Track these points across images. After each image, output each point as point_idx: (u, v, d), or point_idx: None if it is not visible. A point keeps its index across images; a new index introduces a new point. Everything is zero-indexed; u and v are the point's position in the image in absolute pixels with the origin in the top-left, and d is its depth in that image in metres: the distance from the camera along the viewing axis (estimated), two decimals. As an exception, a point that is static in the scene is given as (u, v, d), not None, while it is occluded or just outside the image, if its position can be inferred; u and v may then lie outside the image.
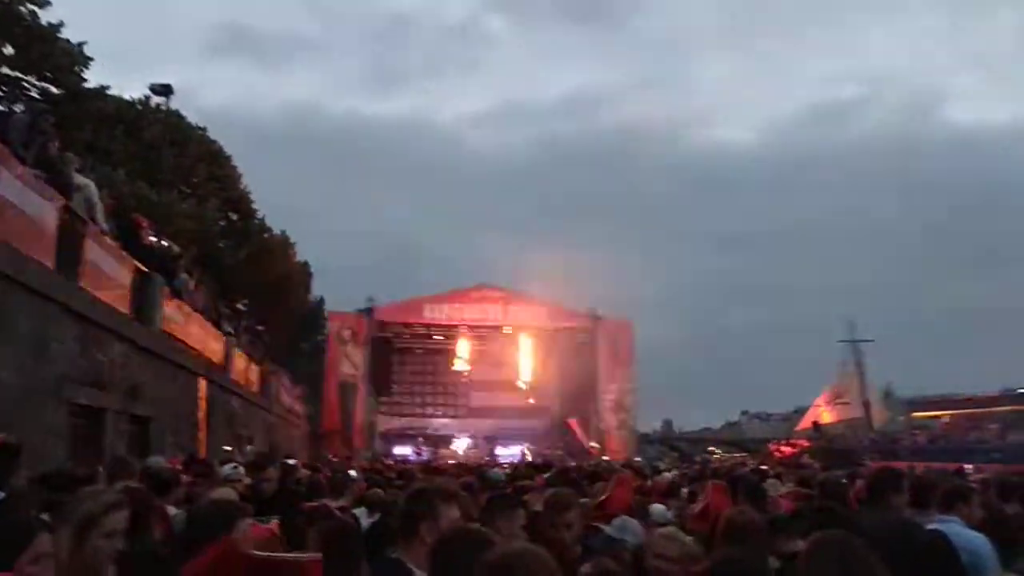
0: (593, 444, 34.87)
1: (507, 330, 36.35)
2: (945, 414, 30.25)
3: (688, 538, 3.07)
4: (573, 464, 23.26)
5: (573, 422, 36.26)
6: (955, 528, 4.13)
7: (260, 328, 28.09)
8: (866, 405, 31.85)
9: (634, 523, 3.80)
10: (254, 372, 22.47)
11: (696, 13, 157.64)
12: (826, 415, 33.55)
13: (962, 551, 3.72)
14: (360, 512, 5.06)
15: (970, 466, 14.61)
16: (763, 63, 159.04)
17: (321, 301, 39.48)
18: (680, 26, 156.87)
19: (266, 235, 30.28)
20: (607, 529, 3.90)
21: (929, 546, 3.27)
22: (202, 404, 14.90)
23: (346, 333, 34.65)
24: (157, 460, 6.55)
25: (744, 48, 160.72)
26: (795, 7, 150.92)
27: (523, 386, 36.97)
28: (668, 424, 63.92)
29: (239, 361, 19.92)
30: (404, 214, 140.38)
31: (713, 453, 39.14)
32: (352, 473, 9.73)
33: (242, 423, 19.94)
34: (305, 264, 35.20)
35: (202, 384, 14.97)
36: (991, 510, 4.89)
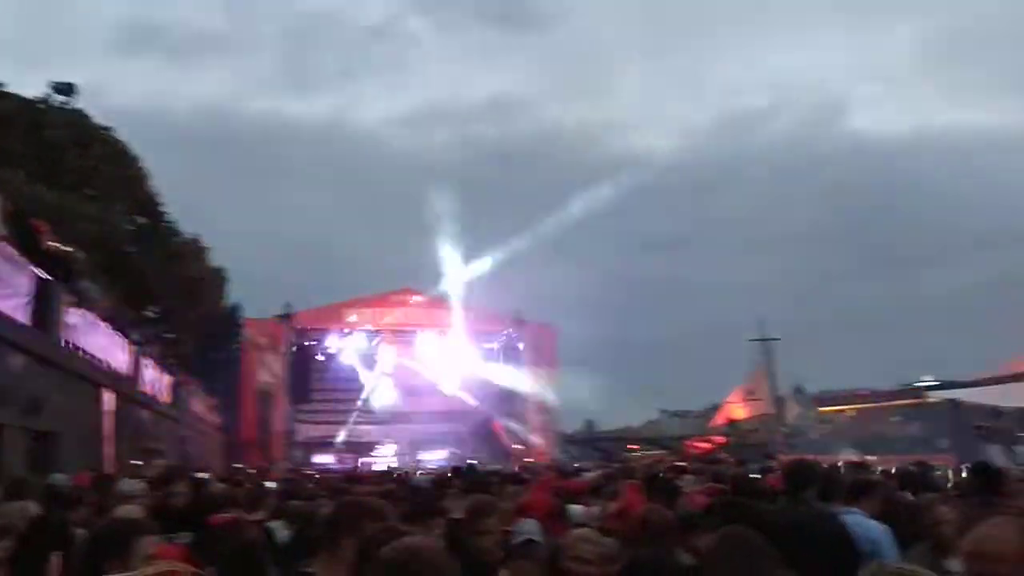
0: (517, 446, 35.07)
1: (430, 334, 36.14)
2: (849, 408, 31.83)
3: (605, 538, 3.10)
4: (498, 467, 23.29)
5: (497, 425, 36.36)
6: (858, 519, 4.36)
7: (171, 336, 26.98)
8: (779, 401, 33.12)
9: (533, 523, 3.82)
10: (165, 382, 21.58)
11: (614, 23, 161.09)
12: (739, 411, 34.75)
13: (864, 540, 3.93)
14: (277, 525, 4.92)
15: (873, 457, 15.40)
16: (678, 73, 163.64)
17: (236, 307, 38.20)
18: (599, 35, 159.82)
19: (176, 239, 29.11)
20: (514, 531, 3.90)
21: (832, 536, 3.43)
22: (108, 417, 14.21)
23: (263, 340, 33.69)
24: (60, 477, 6.21)
25: (660, 59, 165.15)
26: (706, 20, 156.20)
27: (447, 390, 36.86)
28: (590, 424, 64.84)
29: (148, 371, 19.09)
30: (324, 217, 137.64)
31: (634, 451, 39.92)
32: (269, 484, 9.45)
33: (152, 436, 19.12)
34: (219, 269, 34.00)
35: (108, 396, 14.27)
36: (890, 500, 5.19)
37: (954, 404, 24.39)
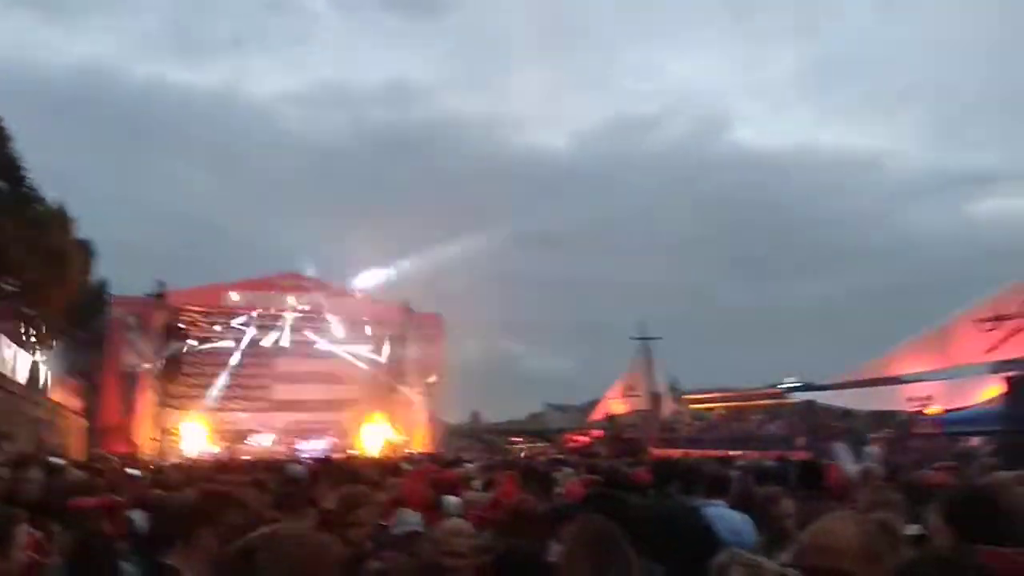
0: (402, 437, 34.83)
1: (315, 321, 35.21)
2: (718, 406, 33.62)
3: (476, 530, 3.16)
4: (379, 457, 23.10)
5: (381, 415, 35.95)
6: (720, 511, 4.65)
7: (30, 312, 25.03)
8: (655, 397, 34.53)
9: (412, 514, 3.84)
10: (22, 360, 20.02)
11: (515, 18, 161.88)
12: (618, 406, 35.99)
13: (727, 531, 4.19)
14: (138, 515, 4.71)
15: (736, 453, 16.36)
16: (575, 74, 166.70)
17: (104, 283, 35.79)
18: (500, 28, 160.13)
19: (39, 206, 26.93)
20: (392, 528, 3.91)
21: (694, 528, 3.66)
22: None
23: (132, 320, 31.72)
24: None
25: (558, 57, 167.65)
26: (604, 24, 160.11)
27: (330, 378, 36.08)
28: (476, 416, 65.22)
29: (3, 348, 17.65)
30: (206, 193, 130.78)
31: (516, 444, 40.57)
32: (133, 472, 8.98)
33: (7, 418, 17.73)
34: (86, 241, 31.72)
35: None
36: (747, 494, 5.56)
37: (811, 405, 26.25)
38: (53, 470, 6.45)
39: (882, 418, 25.36)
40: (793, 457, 11.80)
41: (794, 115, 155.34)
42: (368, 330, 36.06)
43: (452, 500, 5.35)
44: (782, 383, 33.53)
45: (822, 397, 26.49)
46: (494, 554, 2.79)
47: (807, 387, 29.61)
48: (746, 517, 4.65)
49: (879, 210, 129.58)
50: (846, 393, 25.34)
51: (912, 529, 3.51)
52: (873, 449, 19.07)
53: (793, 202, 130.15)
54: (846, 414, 26.66)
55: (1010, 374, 18.01)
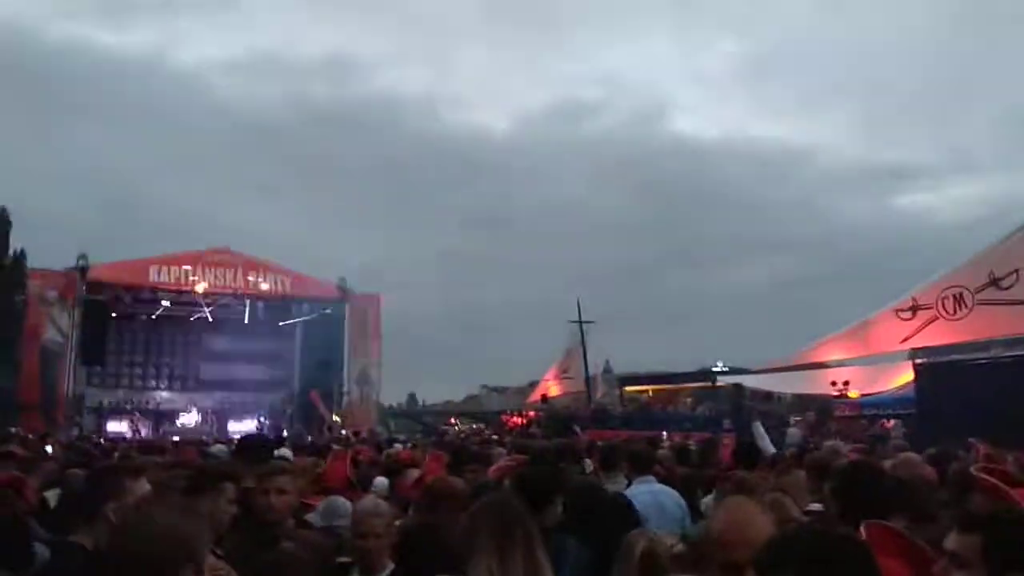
0: (335, 417, 34.43)
1: (247, 298, 34.33)
2: (649, 389, 34.36)
3: (386, 507, 3.15)
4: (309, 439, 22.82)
5: (315, 394, 35.44)
6: (651, 486, 4.79)
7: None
8: (590, 380, 35.07)
9: (343, 503, 3.81)
10: (-75, 335, 18.91)
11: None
12: (553, 388, 36.48)
13: (653, 505, 4.33)
14: (52, 494, 4.57)
15: (665, 434, 16.78)
16: (517, 56, 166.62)
17: (21, 254, 34.05)
18: (443, 5, 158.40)
19: (-51, 173, 25.39)
20: (310, 516, 3.87)
21: (612, 503, 3.78)
22: None
23: (51, 294, 30.33)
24: None
25: (501, 38, 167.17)
26: (550, 7, 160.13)
27: (262, 358, 35.38)
28: (412, 397, 65.18)
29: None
30: (131, 163, 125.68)
31: (453, 425, 40.65)
32: (48, 450, 8.66)
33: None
34: (1, 210, 30.14)
35: None
36: (671, 472, 5.75)
37: (739, 388, 27.10)
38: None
39: (804, 402, 26.42)
40: (721, 438, 12.18)
41: (731, 106, 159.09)
42: (302, 308, 35.39)
43: (382, 481, 5.34)
44: (712, 367, 34.43)
45: (749, 381, 27.39)
46: (402, 529, 2.81)
47: (736, 371, 30.53)
48: (673, 492, 4.80)
49: (808, 201, 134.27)
50: (772, 378, 26.26)
51: (814, 506, 3.68)
52: (794, 431, 19.88)
53: (727, 191, 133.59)
54: (769, 397, 27.66)
55: (918, 361, 19.01)
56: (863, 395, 22.74)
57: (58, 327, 30.33)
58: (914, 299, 20.72)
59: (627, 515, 3.56)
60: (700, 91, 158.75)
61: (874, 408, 22.51)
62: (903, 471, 5.19)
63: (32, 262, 33.03)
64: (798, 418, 23.55)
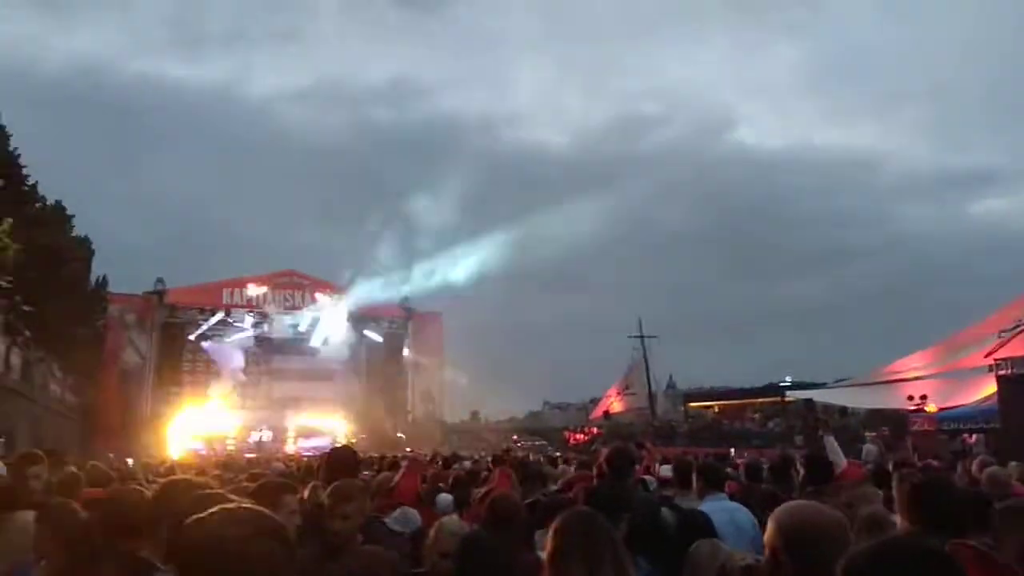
0: (400, 434, 34.85)
1: (315, 319, 35.16)
2: (715, 405, 33.65)
3: (463, 526, 3.18)
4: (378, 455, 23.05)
5: (382, 413, 36.01)
6: (723, 503, 4.68)
7: (28, 309, 24.97)
8: (651, 396, 34.62)
9: (413, 513, 3.89)
10: (16, 357, 19.98)
11: (518, 14, 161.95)
12: (616, 405, 36.07)
13: (727, 523, 4.23)
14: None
15: (734, 450, 16.40)
16: (576, 72, 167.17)
17: (102, 281, 35.73)
18: (501, 25, 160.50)
19: (37, 204, 26.91)
20: (388, 520, 3.96)
21: (692, 520, 3.70)
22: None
23: (130, 318, 31.72)
24: None
25: (559, 55, 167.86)
26: (607, 23, 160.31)
27: (331, 376, 36.09)
28: (475, 414, 65.35)
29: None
30: (204, 191, 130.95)
31: (516, 442, 40.64)
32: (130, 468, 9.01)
33: (2, 415, 17.72)
34: (84, 239, 31.70)
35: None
36: (745, 489, 5.61)
37: (809, 403, 26.29)
38: (56, 467, 6.47)
39: (879, 417, 25.44)
40: (795, 454, 11.84)
41: (794, 115, 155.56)
42: (367, 328, 36.05)
43: (445, 497, 5.39)
44: (780, 382, 33.51)
45: (820, 396, 26.55)
46: (461, 544, 2.82)
47: (804, 386, 29.64)
48: (746, 510, 4.68)
49: (878, 209, 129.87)
50: (844, 392, 25.40)
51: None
52: (870, 447, 19.15)
53: (792, 201, 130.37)
54: (842, 412, 26.73)
55: (1002, 373, 18.09)
56: (941, 409, 21.76)
57: (137, 349, 31.65)
58: (1000, 319, 19.78)
59: (706, 533, 3.49)
60: (762, 101, 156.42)
61: (954, 422, 21.51)
62: (991, 486, 4.97)
63: (112, 287, 34.67)
64: (873, 434, 22.70)
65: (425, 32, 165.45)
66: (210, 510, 1.48)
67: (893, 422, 23.13)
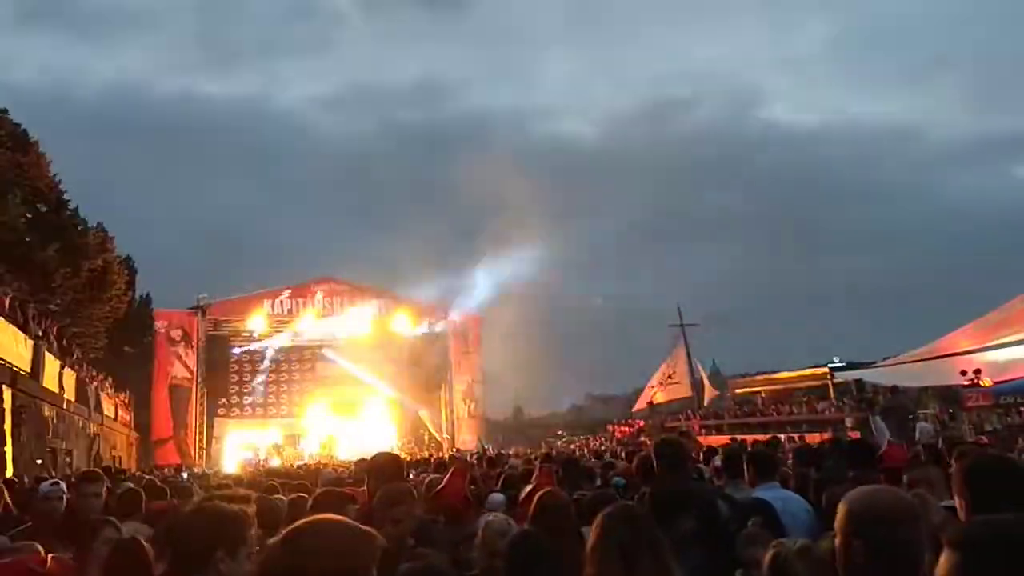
0: (445, 435, 35.03)
1: (353, 323, 35.49)
2: (763, 390, 33.05)
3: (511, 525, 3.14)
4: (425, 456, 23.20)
5: (424, 414, 36.25)
6: (777, 492, 4.55)
7: (77, 330, 25.69)
8: (698, 384, 34.22)
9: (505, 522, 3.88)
10: (70, 378, 20.52)
11: (540, 6, 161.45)
12: (659, 395, 35.70)
13: (785, 514, 4.11)
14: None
15: (784, 436, 16.10)
16: (600, 60, 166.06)
17: (147, 299, 36.60)
18: (524, 18, 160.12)
19: (80, 228, 27.62)
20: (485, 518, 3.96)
21: (752, 510, 3.60)
22: (7, 415, 13.42)
23: (176, 333, 32.41)
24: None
25: (583, 44, 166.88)
26: (629, 8, 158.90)
27: (372, 381, 36.43)
28: (518, 411, 65.33)
29: (51, 366, 18.10)
30: (242, 203, 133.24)
31: (560, 436, 40.55)
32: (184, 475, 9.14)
33: (58, 434, 18.19)
34: (127, 259, 32.48)
35: (6, 393, 13.48)
36: (798, 476, 5.45)
37: (859, 384, 25.70)
38: (115, 484, 6.61)
39: (934, 394, 24.74)
40: (847, 437, 11.58)
41: (827, 88, 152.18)
42: (406, 330, 36.27)
43: (497, 497, 5.34)
44: (828, 363, 32.75)
45: (870, 375, 25.90)
46: (509, 541, 2.79)
47: (854, 366, 28.94)
48: (800, 499, 4.55)
49: (921, 180, 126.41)
50: (896, 371, 24.75)
51: (949, 503, 3.41)
52: (925, 425, 18.64)
53: (830, 177, 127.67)
54: (895, 391, 26.06)
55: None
56: (997, 382, 21.11)
57: (184, 364, 32.32)
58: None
59: (770, 524, 3.39)
60: (793, 75, 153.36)
61: (1011, 395, 20.85)
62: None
63: (156, 304, 35.52)
64: (925, 411, 22.09)
65: (447, 30, 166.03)
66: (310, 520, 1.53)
67: (947, 399, 22.49)
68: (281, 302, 34.65)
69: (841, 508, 2.01)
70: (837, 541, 2.02)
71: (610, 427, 36.57)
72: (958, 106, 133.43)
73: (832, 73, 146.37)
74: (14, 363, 14.52)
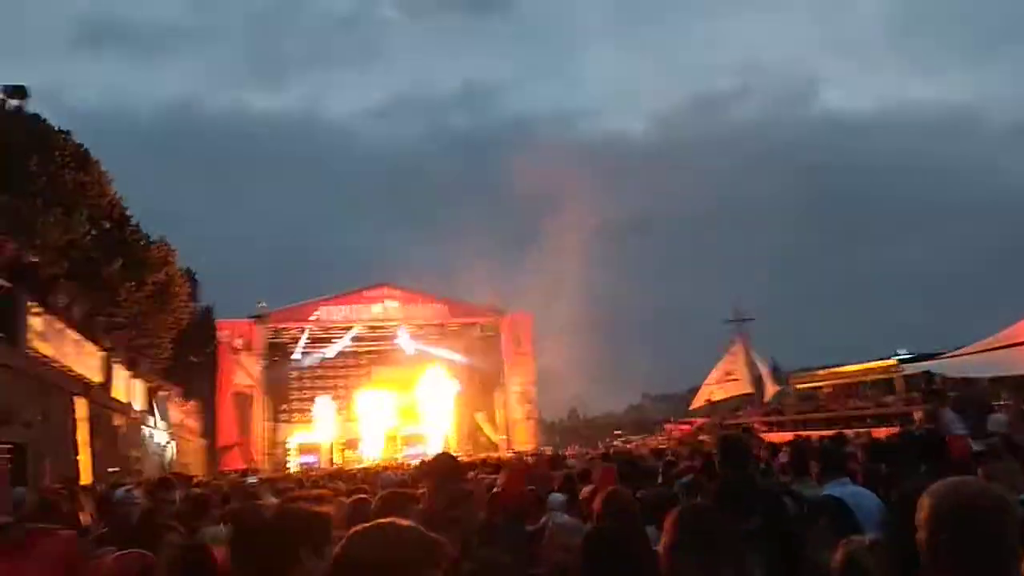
0: (501, 436, 35.12)
1: (408, 328, 35.92)
2: (826, 384, 32.09)
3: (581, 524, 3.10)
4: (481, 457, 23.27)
5: (480, 416, 36.42)
6: (847, 488, 4.39)
7: (144, 342, 26.57)
8: (759, 380, 33.47)
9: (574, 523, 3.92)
10: (139, 388, 21.26)
11: (582, 5, 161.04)
12: (717, 393, 35.01)
13: (858, 509, 3.96)
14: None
15: (850, 432, 15.59)
16: (646, 55, 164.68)
17: (209, 309, 37.65)
18: (567, 17, 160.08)
19: (143, 242, 28.57)
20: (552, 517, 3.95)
21: (824, 507, 3.47)
22: (82, 425, 13.95)
23: (238, 342, 33.32)
24: (20, 492, 6.06)
25: (627, 40, 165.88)
26: (672, 2, 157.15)
27: (427, 385, 36.77)
28: (574, 412, 65.17)
29: (121, 377, 18.78)
30: (296, 213, 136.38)
31: (618, 436, 40.23)
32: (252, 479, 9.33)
33: (130, 442, 18.85)
34: (189, 271, 33.47)
35: (81, 404, 14.01)
36: (867, 471, 5.25)
37: (928, 376, 24.72)
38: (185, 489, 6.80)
39: (1005, 384, 23.65)
40: (915, 431, 11.15)
41: (882, 72, 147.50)
42: (460, 333, 36.55)
43: (557, 497, 5.30)
44: (894, 355, 31.58)
45: (939, 367, 24.86)
46: (583, 539, 2.73)
47: (922, 357, 27.87)
48: (871, 494, 4.38)
49: (983, 161, 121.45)
50: (967, 361, 23.70)
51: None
52: (998, 416, 17.81)
53: (887, 162, 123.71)
54: (967, 382, 24.99)
55: None
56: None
57: (247, 372, 33.19)
58: None
59: (845, 521, 3.26)
60: (847, 60, 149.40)
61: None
62: None
63: (219, 314, 36.50)
64: (999, 403, 21.11)
65: (492, 33, 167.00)
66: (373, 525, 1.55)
67: (1022, 389, 21.46)
68: (339, 309, 35.35)
69: (925, 502, 1.91)
70: (920, 536, 1.93)
71: (668, 426, 36.07)
72: (1015, 86, 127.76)
73: (886, 56, 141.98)
74: (87, 375, 15.10)
